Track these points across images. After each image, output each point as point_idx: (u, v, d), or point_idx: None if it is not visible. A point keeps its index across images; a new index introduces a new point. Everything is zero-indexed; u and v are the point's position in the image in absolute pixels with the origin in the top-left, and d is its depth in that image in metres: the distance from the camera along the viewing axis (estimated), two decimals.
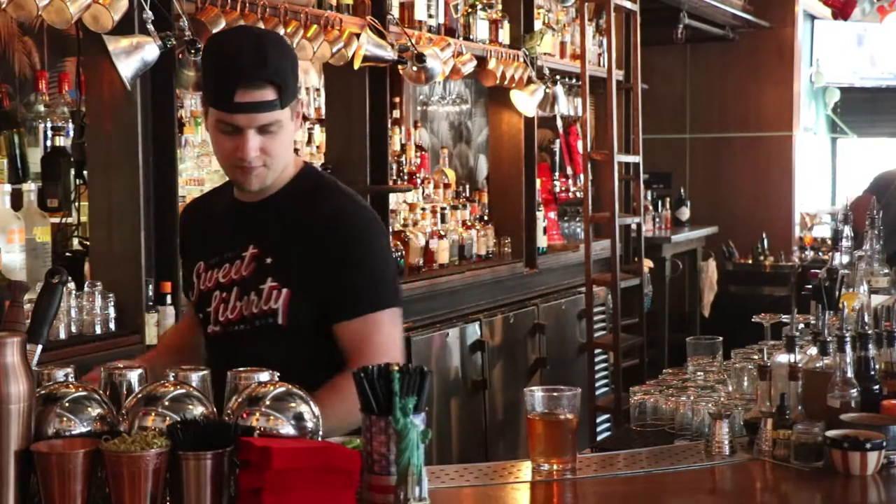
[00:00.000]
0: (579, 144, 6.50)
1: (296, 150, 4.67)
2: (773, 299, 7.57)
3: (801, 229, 8.69)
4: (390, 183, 4.62)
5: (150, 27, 3.19)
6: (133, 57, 3.15)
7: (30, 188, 3.36)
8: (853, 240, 3.47)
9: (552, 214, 6.05)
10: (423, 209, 4.98)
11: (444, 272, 4.83)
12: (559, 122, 6.49)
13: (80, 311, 3.14)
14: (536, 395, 2.07)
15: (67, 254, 3.51)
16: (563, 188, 6.41)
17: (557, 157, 6.49)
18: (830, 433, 2.06)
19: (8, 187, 3.26)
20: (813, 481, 2.04)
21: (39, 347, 1.82)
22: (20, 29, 3.85)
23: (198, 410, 1.66)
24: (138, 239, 3.29)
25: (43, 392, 1.66)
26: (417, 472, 1.59)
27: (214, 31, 3.44)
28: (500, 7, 5.31)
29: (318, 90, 5.16)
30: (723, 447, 2.17)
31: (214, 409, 1.70)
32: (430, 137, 5.82)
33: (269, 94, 2.19)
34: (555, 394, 2.07)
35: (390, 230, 4.57)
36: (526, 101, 5.38)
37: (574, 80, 6.22)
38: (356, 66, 4.12)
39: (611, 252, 5.63)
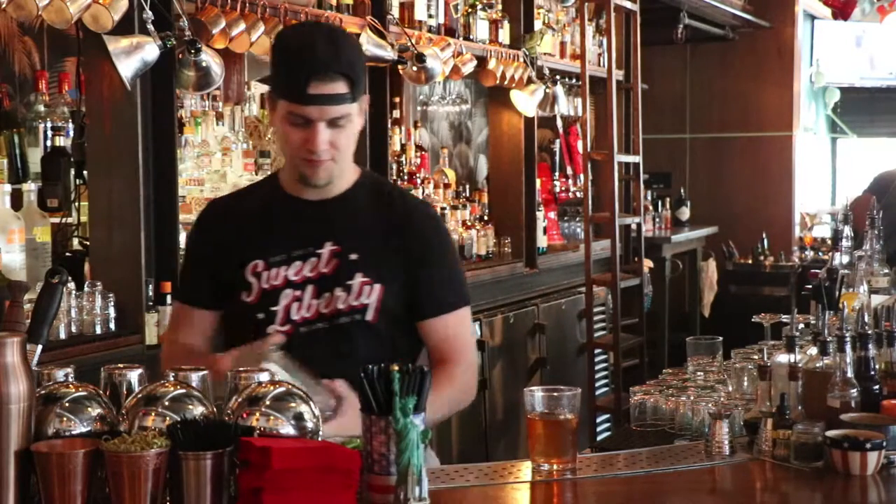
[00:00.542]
0: (579, 144, 6.50)
1: None
2: (773, 299, 7.57)
3: (801, 229, 8.69)
4: None
5: (150, 27, 3.19)
6: (133, 57, 3.15)
7: (30, 188, 3.36)
8: (853, 240, 3.47)
9: (552, 214, 6.05)
10: None
11: None
12: (559, 122, 6.49)
13: (80, 311, 3.14)
14: (536, 395, 2.07)
15: (67, 254, 3.51)
16: (563, 188, 6.41)
17: (557, 157, 6.50)
18: (830, 433, 2.06)
19: (8, 187, 3.26)
20: (813, 481, 2.04)
21: (39, 347, 1.81)
22: (20, 29, 3.85)
23: (198, 410, 1.66)
24: (138, 239, 3.29)
25: (43, 392, 1.66)
26: (417, 472, 1.59)
27: (214, 31, 3.44)
28: (500, 7, 5.31)
29: None
30: (723, 447, 2.17)
31: (214, 409, 1.70)
32: (430, 137, 5.82)
33: (341, 87, 2.20)
34: (555, 394, 2.07)
35: None
36: (526, 101, 5.38)
37: (574, 80, 6.23)
38: None
39: (611, 252, 5.63)
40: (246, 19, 3.58)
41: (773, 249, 8.30)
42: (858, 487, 2.00)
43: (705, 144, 8.80)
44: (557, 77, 5.81)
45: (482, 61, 5.03)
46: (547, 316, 5.43)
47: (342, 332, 2.31)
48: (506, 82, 5.18)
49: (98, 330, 3.16)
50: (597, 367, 5.67)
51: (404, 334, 2.38)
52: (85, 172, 3.49)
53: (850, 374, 2.19)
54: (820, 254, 8.12)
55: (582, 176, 6.32)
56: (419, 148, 5.38)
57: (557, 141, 6.52)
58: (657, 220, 7.86)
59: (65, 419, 1.64)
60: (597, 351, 5.66)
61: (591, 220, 5.65)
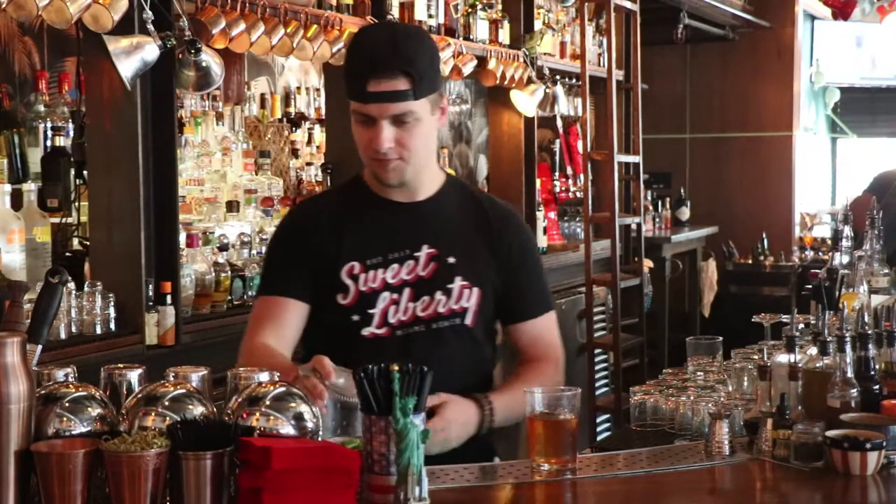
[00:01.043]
0: (579, 144, 6.50)
1: (295, 151, 4.69)
2: (773, 299, 7.57)
3: (801, 229, 8.69)
4: None
5: (150, 27, 3.19)
6: (133, 57, 3.15)
7: (30, 188, 3.36)
8: (853, 240, 3.47)
9: (552, 214, 6.05)
10: None
11: None
12: (559, 122, 6.49)
13: (80, 311, 3.13)
14: (536, 395, 2.07)
15: (67, 254, 3.51)
16: (563, 188, 6.41)
17: (557, 157, 6.50)
18: (830, 433, 2.06)
19: (8, 187, 3.26)
20: (813, 481, 2.04)
21: (39, 347, 1.81)
22: (20, 29, 3.85)
23: (198, 410, 1.66)
24: (138, 239, 3.29)
25: (43, 392, 1.66)
26: (417, 472, 1.59)
27: (214, 31, 3.44)
28: (500, 7, 5.31)
29: (318, 90, 5.16)
30: (723, 447, 2.17)
31: (214, 409, 1.70)
32: None
33: (401, 84, 2.18)
34: (555, 394, 2.07)
35: None
36: (526, 101, 5.38)
37: (574, 80, 6.23)
38: None
39: (611, 252, 5.63)
40: (246, 19, 3.57)
41: (773, 249, 8.30)
42: (858, 487, 2.00)
43: (705, 144, 8.80)
44: (557, 77, 5.82)
45: (482, 61, 5.03)
46: None
47: (439, 336, 2.31)
48: (506, 82, 5.18)
49: (98, 330, 3.16)
50: (597, 367, 5.67)
51: (491, 338, 2.43)
52: (85, 172, 3.48)
53: (850, 374, 2.19)
54: (820, 254, 8.11)
55: (582, 176, 6.32)
56: None
57: (557, 141, 6.52)
58: (657, 220, 7.86)
59: (65, 419, 1.64)
60: (597, 351, 5.66)
61: (591, 220, 5.65)
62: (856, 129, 9.56)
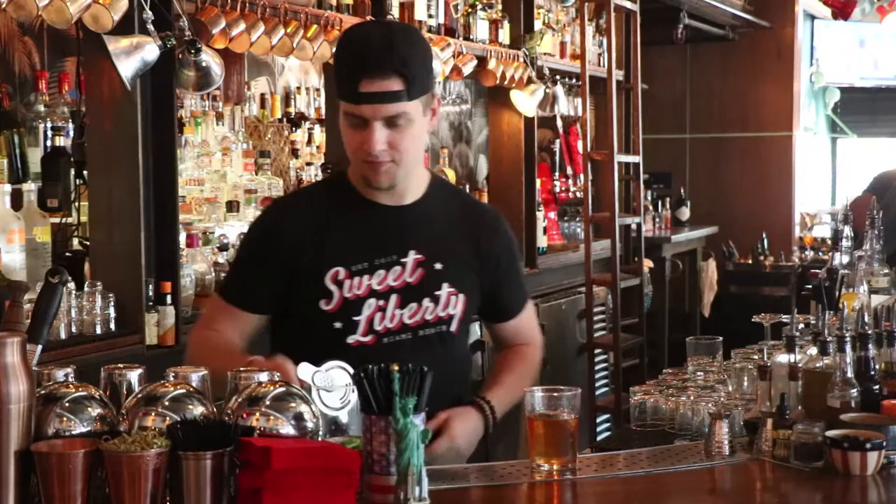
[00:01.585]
0: (579, 144, 6.50)
1: (295, 151, 4.69)
2: (773, 299, 7.57)
3: (801, 229, 8.69)
4: None
5: (150, 27, 3.19)
6: (133, 57, 3.15)
7: (30, 188, 3.36)
8: (853, 240, 3.47)
9: (552, 214, 6.05)
10: None
11: None
12: (559, 122, 6.49)
13: (80, 311, 3.13)
14: (536, 395, 2.07)
15: (67, 254, 3.51)
16: (563, 188, 6.41)
17: (557, 157, 6.50)
18: (830, 433, 2.06)
19: (8, 187, 3.26)
20: (813, 481, 2.04)
21: (39, 347, 1.81)
22: (20, 29, 3.85)
23: (198, 410, 1.66)
24: (138, 239, 3.29)
25: (43, 392, 1.66)
26: (417, 472, 1.59)
27: (214, 31, 3.44)
28: (500, 7, 5.31)
29: (318, 90, 5.16)
30: (723, 447, 2.17)
31: (214, 409, 1.70)
32: (431, 137, 5.82)
33: (394, 85, 2.13)
34: (555, 394, 2.07)
35: None
36: (526, 101, 5.38)
37: (574, 80, 6.23)
38: None
39: (611, 252, 5.63)
40: (246, 19, 3.57)
41: (773, 249, 8.30)
42: (858, 487, 2.00)
43: (705, 144, 8.80)
44: (557, 77, 5.82)
45: (482, 61, 5.03)
46: (547, 316, 5.43)
47: (426, 344, 2.27)
48: (506, 82, 5.18)
49: (98, 330, 3.16)
50: (597, 367, 5.67)
51: (467, 340, 2.44)
52: (85, 172, 3.48)
53: (850, 374, 2.19)
54: (820, 254, 8.11)
55: (582, 176, 6.32)
56: None
57: (557, 141, 6.52)
58: (657, 220, 7.86)
59: (65, 419, 1.63)
60: (597, 351, 5.66)
61: (591, 220, 5.65)
62: (856, 129, 9.56)
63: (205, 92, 3.68)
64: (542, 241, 5.64)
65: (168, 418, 1.63)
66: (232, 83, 4.73)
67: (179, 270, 3.39)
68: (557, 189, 6.34)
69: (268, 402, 1.69)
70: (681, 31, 7.42)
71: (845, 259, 3.31)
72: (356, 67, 2.15)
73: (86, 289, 3.19)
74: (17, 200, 3.32)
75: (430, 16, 4.70)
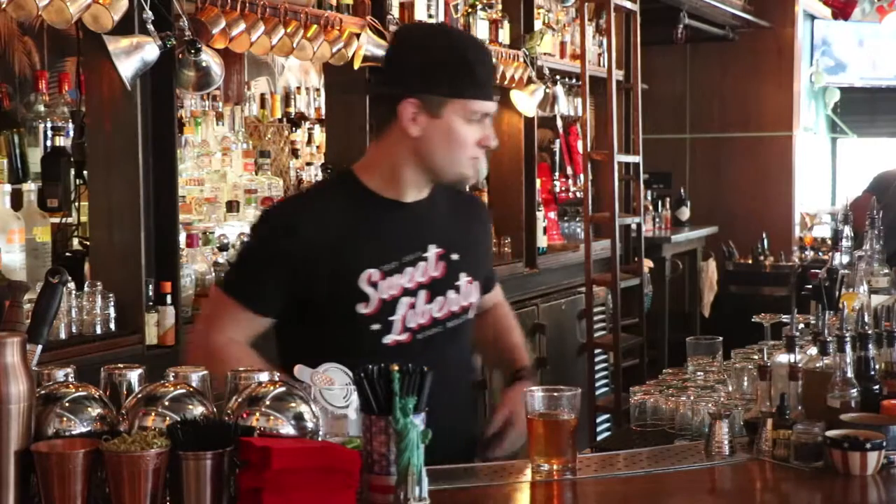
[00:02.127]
0: (579, 144, 6.50)
1: (295, 151, 4.69)
2: (773, 299, 7.57)
3: (801, 229, 8.69)
4: None
5: (150, 27, 3.19)
6: (133, 57, 3.15)
7: (30, 188, 3.36)
8: (853, 240, 3.47)
9: (552, 214, 6.05)
10: None
11: None
12: (559, 122, 6.49)
13: (80, 311, 3.13)
14: (536, 395, 2.07)
15: (67, 254, 3.51)
16: (563, 188, 6.41)
17: (557, 157, 6.49)
18: (830, 433, 2.06)
19: (8, 187, 3.26)
20: (813, 481, 2.04)
21: (39, 347, 1.81)
22: (20, 29, 3.85)
23: (198, 410, 1.66)
24: (138, 239, 3.29)
25: (43, 392, 1.66)
26: (417, 472, 1.59)
27: (214, 31, 3.44)
28: (500, 7, 5.31)
29: (318, 90, 5.16)
30: (723, 447, 2.17)
31: (214, 409, 1.70)
32: None
33: None
34: (555, 394, 2.06)
35: None
36: (526, 101, 5.38)
37: (574, 80, 6.22)
38: (356, 66, 4.12)
39: (611, 252, 5.63)
40: (246, 19, 3.57)
41: (773, 249, 8.30)
42: (858, 487, 2.00)
43: (705, 144, 8.80)
44: (557, 77, 5.81)
45: None
46: (547, 316, 5.43)
47: (454, 334, 2.33)
48: (506, 82, 5.17)
49: (98, 330, 3.16)
50: (597, 367, 5.67)
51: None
52: (85, 172, 3.49)
53: (850, 374, 2.19)
54: (820, 254, 8.11)
55: (582, 176, 6.32)
56: None
57: (557, 141, 6.52)
58: (657, 220, 7.86)
59: (65, 419, 1.63)
60: (597, 351, 5.66)
61: (591, 220, 5.65)
62: (856, 129, 9.56)
63: (205, 92, 3.68)
64: (542, 241, 5.64)
65: (168, 418, 1.63)
66: (232, 83, 4.74)
67: (179, 270, 3.39)
68: (557, 189, 6.34)
69: (268, 402, 1.69)
70: (681, 31, 7.41)
71: (845, 259, 3.31)
72: (486, 67, 2.28)
73: (86, 289, 3.19)
74: (17, 200, 3.32)
75: (430, 16, 4.70)
